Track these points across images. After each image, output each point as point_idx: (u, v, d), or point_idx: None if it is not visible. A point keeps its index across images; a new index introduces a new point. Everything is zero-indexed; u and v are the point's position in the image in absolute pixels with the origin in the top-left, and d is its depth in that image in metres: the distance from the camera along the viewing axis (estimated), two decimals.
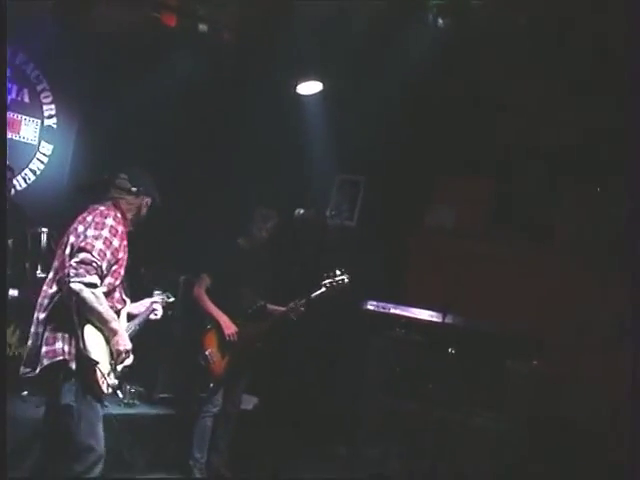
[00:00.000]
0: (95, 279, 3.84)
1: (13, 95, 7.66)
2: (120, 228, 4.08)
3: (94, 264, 3.84)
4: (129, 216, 4.26)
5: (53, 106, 7.88)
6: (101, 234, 3.94)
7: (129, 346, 4.16)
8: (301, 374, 6.90)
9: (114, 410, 6.05)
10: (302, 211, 4.23)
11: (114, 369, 4.11)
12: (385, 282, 7.62)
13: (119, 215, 4.16)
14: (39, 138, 7.82)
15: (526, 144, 7.37)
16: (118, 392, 4.28)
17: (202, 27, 6.96)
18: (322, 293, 5.41)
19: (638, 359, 3.71)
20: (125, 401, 6.31)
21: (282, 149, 7.99)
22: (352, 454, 7.22)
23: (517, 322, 6.75)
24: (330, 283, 5.10)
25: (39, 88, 7.83)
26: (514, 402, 6.47)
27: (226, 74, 7.80)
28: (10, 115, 7.43)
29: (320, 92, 7.58)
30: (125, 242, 4.15)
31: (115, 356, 4.07)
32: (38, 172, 7.82)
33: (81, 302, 3.83)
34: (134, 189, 4.26)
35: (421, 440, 6.61)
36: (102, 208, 4.12)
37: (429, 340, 6.84)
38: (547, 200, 7.49)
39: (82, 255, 3.86)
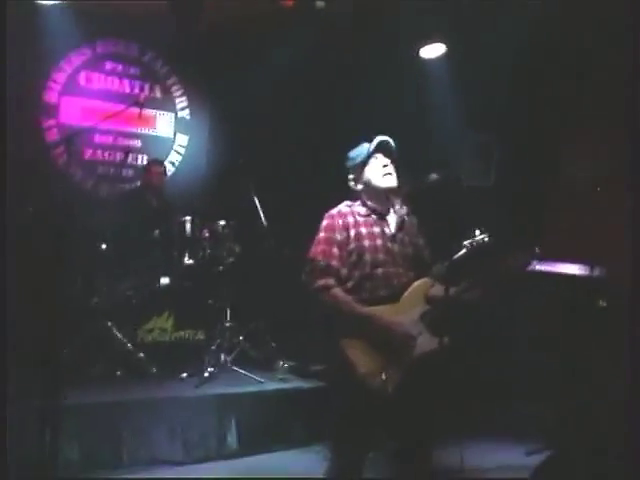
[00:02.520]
0: (324, 282, 3.79)
1: (146, 92, 7.95)
2: (340, 221, 3.93)
3: (318, 267, 3.80)
4: (364, 195, 4.07)
5: (184, 98, 8.14)
6: (319, 238, 3.91)
7: (403, 329, 3.79)
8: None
9: (269, 386, 6.27)
10: (435, 175, 4.13)
11: (399, 359, 3.77)
12: (528, 239, 7.48)
13: (344, 207, 4.03)
14: (174, 131, 8.11)
15: None
16: (390, 389, 3.71)
17: (320, 3, 6.99)
18: (464, 254, 5.29)
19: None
20: (279, 376, 6.46)
21: (412, 116, 7.93)
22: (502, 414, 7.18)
23: None
24: (470, 243, 4.95)
25: (169, 82, 8.11)
26: None
27: (348, 46, 7.80)
28: (145, 111, 7.70)
29: (444, 54, 7.48)
30: (359, 230, 3.93)
31: (397, 349, 3.78)
32: (177, 163, 8.10)
33: (325, 309, 3.82)
34: (350, 162, 4.14)
35: (585, 395, 6.48)
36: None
37: (579, 294, 6.69)
38: None
39: (307, 267, 3.88)
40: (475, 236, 5.08)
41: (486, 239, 5.13)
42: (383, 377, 3.71)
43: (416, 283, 3.99)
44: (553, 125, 7.90)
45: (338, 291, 3.78)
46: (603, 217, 6.92)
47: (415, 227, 4.21)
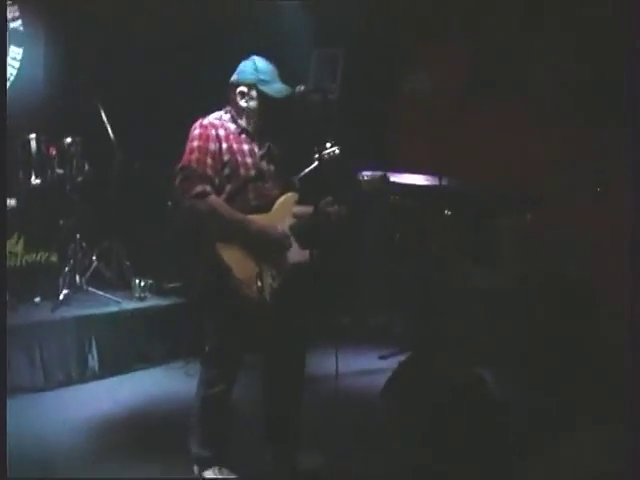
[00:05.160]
0: (202, 187, 3.75)
1: None
2: (214, 132, 3.90)
3: (195, 174, 3.78)
4: (234, 113, 4.03)
5: (16, 7, 7.62)
6: (192, 146, 3.86)
7: (279, 230, 3.96)
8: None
9: (127, 305, 6.24)
10: (303, 87, 4.11)
11: (272, 267, 3.90)
12: (375, 151, 7.63)
13: (214, 119, 3.98)
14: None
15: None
16: (266, 296, 3.84)
17: None
18: (315, 167, 5.33)
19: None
20: (136, 295, 6.41)
21: (257, 29, 7.80)
22: (356, 323, 7.44)
23: (506, 180, 6.83)
24: (322, 156, 4.99)
25: None
26: (510, 258, 6.61)
27: None
28: None
29: None
30: (230, 144, 3.92)
31: (272, 254, 3.91)
32: (12, 78, 7.64)
33: (201, 215, 3.78)
34: (234, 79, 4.03)
35: (422, 302, 6.78)
36: (196, 122, 3.97)
37: (424, 204, 6.92)
38: (521, 56, 7.44)
39: (182, 173, 3.81)
40: (326, 148, 5.13)
41: (337, 151, 5.21)
42: (258, 284, 3.81)
43: (283, 197, 4.09)
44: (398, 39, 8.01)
45: (215, 197, 3.80)
46: (451, 127, 7.13)
47: (274, 145, 4.22)
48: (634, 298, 3.75)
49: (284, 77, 4.11)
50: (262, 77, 3.98)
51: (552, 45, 7.11)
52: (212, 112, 4.05)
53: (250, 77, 3.98)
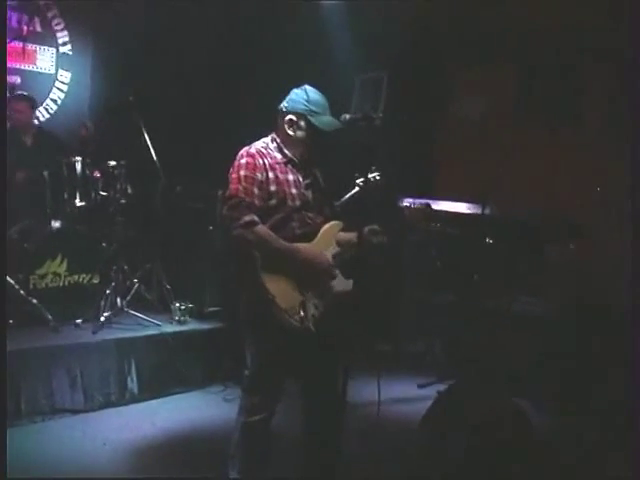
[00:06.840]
0: (250, 217, 3.74)
1: (25, 25, 7.55)
2: (261, 161, 3.87)
3: (243, 203, 3.76)
4: (280, 142, 4.00)
5: (66, 32, 7.78)
6: (240, 175, 3.82)
7: (324, 261, 3.92)
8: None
9: (167, 329, 6.25)
10: (348, 116, 4.08)
11: (315, 297, 3.88)
12: (418, 178, 7.61)
13: (261, 148, 3.95)
14: (56, 67, 7.75)
15: (543, 29, 7.25)
16: (309, 325, 3.82)
17: None
18: (356, 193, 5.30)
19: None
20: (176, 318, 6.43)
21: (299, 56, 7.85)
22: (395, 351, 7.39)
23: (551, 208, 6.76)
24: (363, 182, 4.95)
25: (49, 15, 7.72)
26: (555, 287, 6.53)
27: None
28: (25, 46, 7.35)
29: None
30: (276, 174, 3.90)
31: (316, 284, 3.89)
32: (59, 101, 7.77)
33: (250, 245, 3.76)
34: (284, 106, 3.99)
35: (464, 331, 6.72)
36: (242, 150, 3.95)
37: (466, 232, 6.88)
38: (570, 85, 7.40)
39: (229, 202, 3.79)
40: (367, 175, 5.10)
41: (378, 177, 5.17)
42: (301, 313, 3.77)
43: (327, 225, 4.04)
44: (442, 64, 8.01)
45: (262, 227, 3.77)
46: (493, 154, 7.10)
47: (319, 173, 4.18)
48: None
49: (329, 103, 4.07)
50: (313, 108, 3.92)
51: (602, 73, 7.07)
52: (255, 139, 4.01)
53: (300, 107, 3.93)
